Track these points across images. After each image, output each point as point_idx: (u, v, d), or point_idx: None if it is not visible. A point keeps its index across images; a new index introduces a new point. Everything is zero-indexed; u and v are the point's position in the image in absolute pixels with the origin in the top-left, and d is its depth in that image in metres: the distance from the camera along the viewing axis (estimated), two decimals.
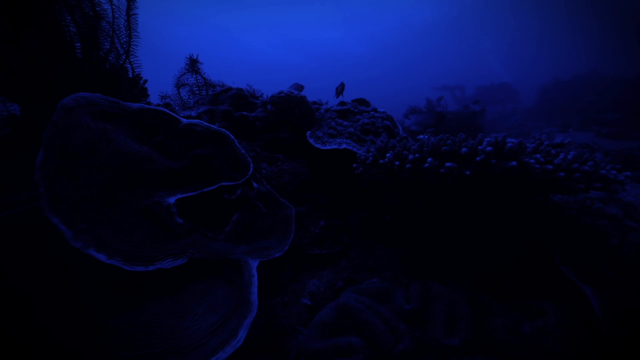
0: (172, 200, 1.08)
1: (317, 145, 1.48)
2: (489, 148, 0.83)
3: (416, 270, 1.16)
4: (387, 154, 0.99)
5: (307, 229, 1.35)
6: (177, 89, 1.74)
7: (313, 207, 1.42)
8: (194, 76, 1.77)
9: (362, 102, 1.86)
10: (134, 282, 0.96)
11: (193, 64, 1.70)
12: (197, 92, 1.78)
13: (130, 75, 1.43)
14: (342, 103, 2.00)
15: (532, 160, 0.82)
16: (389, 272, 1.14)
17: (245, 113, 1.55)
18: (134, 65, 1.49)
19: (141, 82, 1.53)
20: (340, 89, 2.03)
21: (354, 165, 1.19)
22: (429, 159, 0.90)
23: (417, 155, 0.93)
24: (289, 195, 1.41)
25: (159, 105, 1.46)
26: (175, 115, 1.30)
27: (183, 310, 0.90)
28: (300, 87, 1.87)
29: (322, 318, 0.95)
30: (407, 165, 0.94)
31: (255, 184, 1.29)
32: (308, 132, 1.55)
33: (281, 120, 1.63)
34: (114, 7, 1.43)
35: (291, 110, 1.62)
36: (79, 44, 1.37)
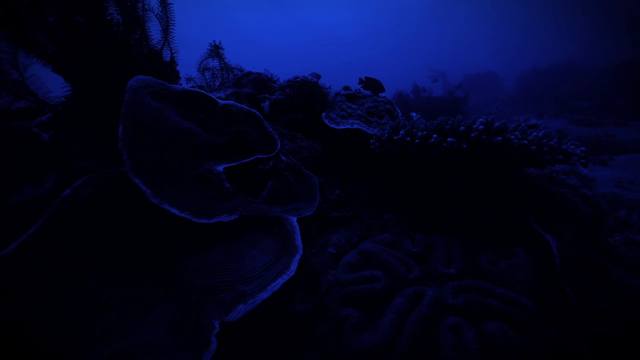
0: (220, 168, 1.30)
1: (332, 125, 1.71)
2: (481, 127, 1.09)
3: (418, 228, 1.43)
4: (401, 132, 1.23)
5: (325, 196, 1.60)
6: (200, 72, 1.91)
7: (329, 178, 1.66)
8: (216, 60, 1.93)
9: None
10: (194, 233, 1.18)
11: (216, 50, 1.87)
12: (219, 75, 1.95)
13: (167, 59, 1.60)
14: (346, 88, 2.22)
15: (512, 136, 1.08)
16: (397, 228, 1.41)
17: (267, 95, 1.75)
18: (163, 45, 1.65)
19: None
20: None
21: (371, 140, 1.44)
22: (434, 136, 1.15)
23: (424, 132, 1.18)
24: (309, 168, 1.64)
25: (193, 87, 1.64)
26: (213, 96, 1.49)
27: (240, 253, 1.14)
28: (317, 76, 2.07)
29: (348, 260, 1.21)
30: (417, 141, 1.19)
31: (283, 157, 1.52)
32: (323, 114, 1.77)
33: (298, 102, 1.84)
34: None
35: (307, 94, 1.83)
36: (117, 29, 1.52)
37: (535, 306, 1.02)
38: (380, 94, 2.19)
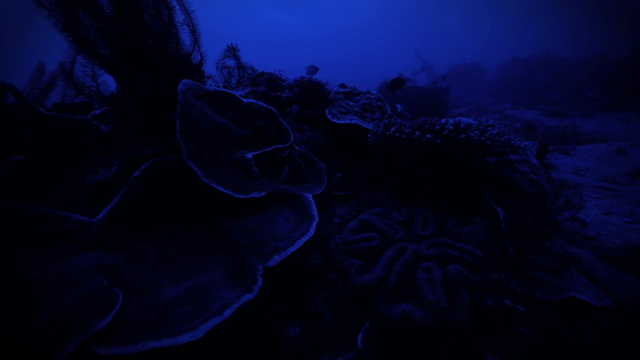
0: (250, 155, 1.64)
1: (334, 120, 2.06)
2: (451, 127, 1.47)
3: (403, 203, 1.83)
4: (392, 128, 1.60)
5: (329, 179, 1.96)
6: (219, 71, 2.20)
7: (332, 164, 2.02)
8: (232, 60, 2.23)
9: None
10: (233, 205, 1.53)
11: (233, 51, 2.16)
12: (235, 74, 2.25)
13: (195, 62, 1.89)
14: (342, 85, 2.56)
15: (473, 134, 1.47)
16: (387, 203, 1.80)
17: (279, 94, 2.07)
18: (192, 50, 1.93)
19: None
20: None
21: (369, 135, 1.80)
22: (417, 132, 1.52)
23: (410, 130, 1.55)
24: (315, 155, 1.99)
25: (219, 86, 1.94)
26: (238, 95, 1.80)
27: (270, 220, 1.50)
28: (315, 69, 2.39)
29: (350, 226, 1.59)
30: (404, 136, 1.56)
31: (296, 147, 1.86)
32: (326, 110, 2.11)
33: (304, 99, 2.17)
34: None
35: (312, 92, 2.16)
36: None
37: (484, 256, 1.43)
38: (372, 92, 2.55)
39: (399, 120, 2.43)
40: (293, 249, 1.35)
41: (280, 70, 2.20)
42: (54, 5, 1.31)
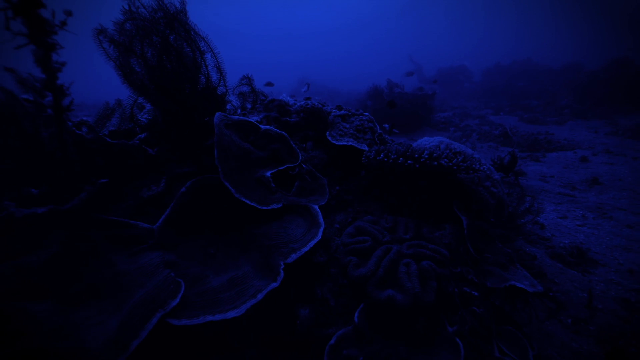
0: (268, 174, 2.05)
1: (333, 142, 2.48)
2: (426, 155, 1.92)
3: (389, 212, 2.27)
4: (381, 154, 2.04)
5: (329, 191, 2.38)
6: (236, 96, 2.59)
7: (331, 178, 2.45)
8: (247, 87, 2.62)
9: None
10: (257, 214, 1.93)
11: (248, 80, 2.55)
12: (249, 99, 2.64)
13: (220, 93, 2.28)
14: (339, 107, 2.98)
15: (443, 161, 1.92)
16: (377, 211, 2.24)
17: (288, 119, 2.48)
18: (218, 84, 2.32)
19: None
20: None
21: (363, 157, 2.23)
22: (401, 159, 1.97)
23: (395, 156, 1.99)
24: (318, 171, 2.41)
25: (237, 111, 2.34)
26: (256, 123, 2.21)
27: (285, 226, 1.91)
28: (308, 85, 2.79)
29: (348, 231, 2.02)
30: (390, 161, 2.00)
31: (304, 165, 2.28)
32: (327, 132, 2.53)
33: (308, 122, 2.58)
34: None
35: (315, 116, 2.58)
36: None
37: (450, 255, 1.89)
38: (365, 113, 2.98)
39: (388, 138, 2.88)
40: (306, 249, 1.77)
41: (264, 89, 2.59)
42: (119, 62, 1.69)
